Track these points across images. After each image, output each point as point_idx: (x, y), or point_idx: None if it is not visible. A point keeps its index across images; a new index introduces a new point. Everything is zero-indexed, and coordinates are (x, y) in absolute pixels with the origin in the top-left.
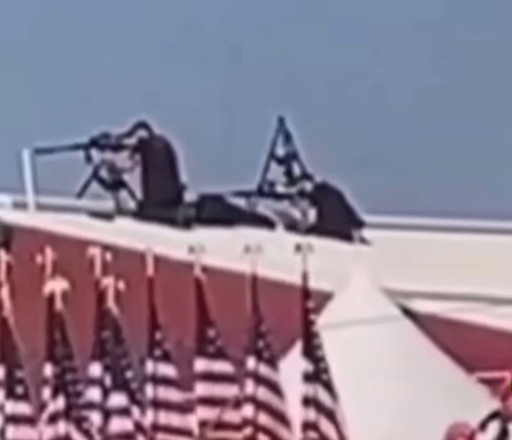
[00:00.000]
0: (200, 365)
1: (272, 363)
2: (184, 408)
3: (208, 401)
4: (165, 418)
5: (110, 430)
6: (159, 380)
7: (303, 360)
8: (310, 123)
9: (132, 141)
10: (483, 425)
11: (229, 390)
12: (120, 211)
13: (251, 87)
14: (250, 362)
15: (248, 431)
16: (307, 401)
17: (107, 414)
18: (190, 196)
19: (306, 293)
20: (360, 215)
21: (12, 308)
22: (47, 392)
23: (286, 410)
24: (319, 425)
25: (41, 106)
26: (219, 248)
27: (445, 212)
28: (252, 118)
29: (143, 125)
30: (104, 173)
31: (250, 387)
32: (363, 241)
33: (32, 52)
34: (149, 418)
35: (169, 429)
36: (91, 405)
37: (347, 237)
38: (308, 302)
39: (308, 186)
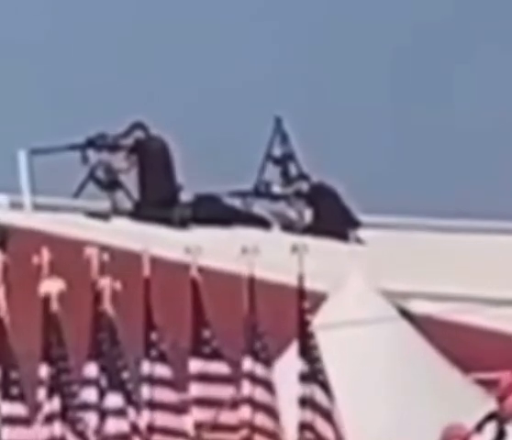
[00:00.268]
0: (195, 366)
1: (269, 364)
2: (180, 409)
3: (204, 403)
4: (161, 419)
5: (106, 431)
6: (154, 381)
7: (299, 361)
8: (306, 123)
9: (129, 142)
10: (479, 427)
11: (225, 392)
12: (117, 211)
13: (248, 87)
14: (247, 363)
15: (244, 432)
16: (304, 402)
17: (103, 415)
18: (186, 196)
19: (301, 294)
20: (356, 215)
21: (8, 308)
22: (42, 393)
23: (282, 410)
24: (316, 426)
25: (38, 107)
26: (215, 249)
27: (441, 212)
28: (249, 119)
29: (140, 125)
30: (100, 174)
31: (246, 388)
32: (359, 241)
33: (29, 53)
34: (144, 419)
35: (164, 430)
36: (87, 406)
37: (343, 237)
38: (304, 302)
39: (304, 187)
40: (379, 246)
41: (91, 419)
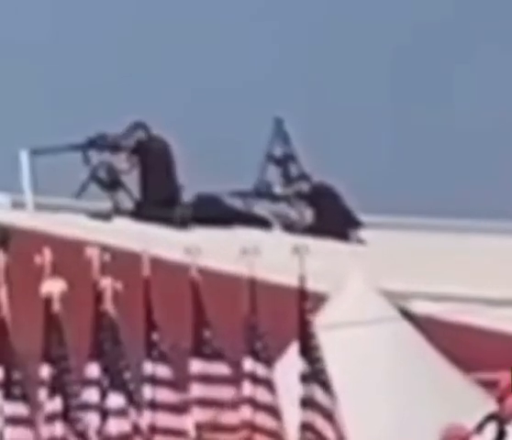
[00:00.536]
0: (196, 366)
1: (270, 364)
2: (181, 409)
3: (205, 403)
4: (162, 419)
5: (108, 431)
6: (156, 382)
7: (300, 361)
8: (307, 124)
9: (130, 142)
10: (479, 427)
11: (226, 392)
12: (118, 211)
13: (249, 88)
14: (248, 363)
15: (245, 432)
16: (304, 402)
17: (105, 415)
18: (187, 197)
19: (302, 294)
20: (357, 216)
21: (9, 308)
22: (43, 393)
23: (283, 411)
24: (316, 426)
25: (40, 107)
26: (216, 249)
27: (442, 212)
28: (249, 119)
29: (141, 125)
30: (102, 174)
31: (247, 388)
32: (360, 241)
33: (30, 54)
34: (146, 419)
35: (166, 430)
36: (88, 406)
37: (344, 238)
38: (305, 303)
39: (305, 187)
40: (380, 246)
41: (92, 419)
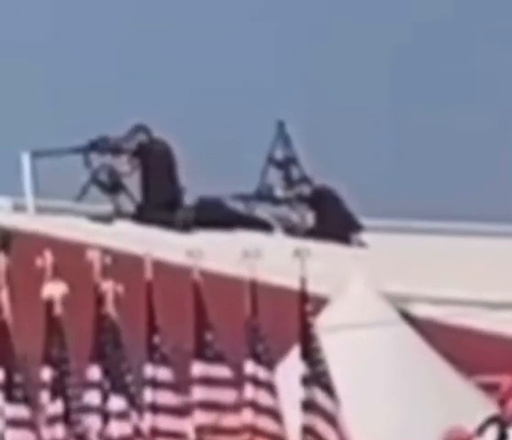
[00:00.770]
0: (198, 369)
1: (271, 367)
2: (182, 412)
3: (206, 405)
4: (163, 422)
5: (109, 434)
6: (157, 384)
7: (301, 364)
8: (309, 127)
9: (131, 145)
10: (481, 430)
11: (227, 395)
12: (119, 214)
13: (250, 90)
14: (249, 366)
15: (247, 435)
16: (306, 405)
17: (106, 418)
18: (189, 200)
19: (304, 297)
20: (358, 219)
21: (11, 311)
22: (45, 396)
23: (284, 413)
24: (318, 429)
25: (41, 110)
26: (218, 252)
27: (443, 215)
28: (251, 122)
29: (142, 128)
30: (103, 177)
31: (248, 391)
32: (361, 244)
33: (32, 56)
34: (147, 422)
35: (167, 433)
36: (89, 409)
37: (345, 241)
38: (306, 305)
39: (307, 190)
40: (381, 249)
41: (94, 422)
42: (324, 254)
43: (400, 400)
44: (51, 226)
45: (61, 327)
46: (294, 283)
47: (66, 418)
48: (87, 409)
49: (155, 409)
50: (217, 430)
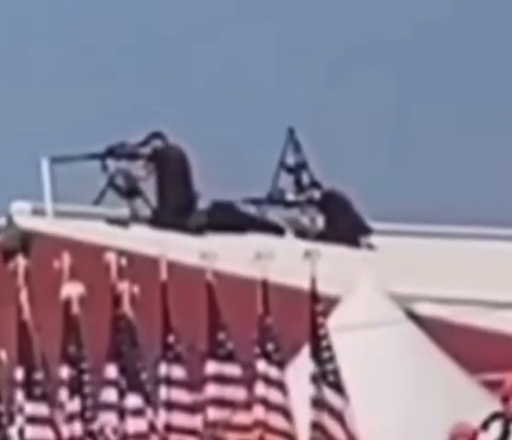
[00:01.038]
0: (211, 367)
1: (282, 366)
2: (195, 409)
3: (219, 403)
4: (177, 419)
5: (125, 430)
6: (171, 382)
7: (311, 362)
8: (318, 134)
9: (147, 150)
10: (485, 425)
11: (239, 393)
12: (136, 218)
13: (264, 98)
14: (261, 365)
15: (258, 432)
16: (315, 403)
17: (123, 415)
18: (203, 204)
19: (314, 297)
20: (367, 222)
21: (30, 311)
22: (63, 394)
23: (295, 411)
24: (327, 426)
25: (60, 117)
26: (231, 254)
27: (448, 219)
28: (263, 129)
29: (158, 135)
30: (120, 181)
31: (260, 389)
32: (370, 247)
33: (51, 64)
34: (161, 418)
35: (181, 430)
36: (107, 406)
37: (354, 243)
38: (317, 305)
39: (317, 194)
40: (389, 251)
41: (111, 419)
42: (333, 256)
43: (407, 396)
44: (69, 230)
45: (78, 327)
46: (304, 284)
47: (83, 415)
48: (104, 406)
49: (169, 406)
50: (229, 427)
